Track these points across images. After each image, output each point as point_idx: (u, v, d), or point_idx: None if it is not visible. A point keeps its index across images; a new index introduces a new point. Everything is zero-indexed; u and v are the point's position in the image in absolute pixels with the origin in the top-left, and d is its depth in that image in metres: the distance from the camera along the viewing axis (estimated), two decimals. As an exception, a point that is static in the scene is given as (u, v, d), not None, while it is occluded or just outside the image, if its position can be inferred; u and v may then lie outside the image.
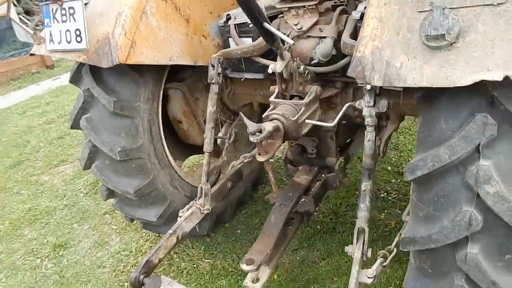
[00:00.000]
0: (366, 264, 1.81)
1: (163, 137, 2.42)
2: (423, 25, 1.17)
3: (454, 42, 1.15)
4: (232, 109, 2.82)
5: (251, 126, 1.85)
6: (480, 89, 1.18)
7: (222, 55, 2.26)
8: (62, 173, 4.12)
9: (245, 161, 2.55)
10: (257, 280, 2.08)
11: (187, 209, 2.27)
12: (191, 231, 2.65)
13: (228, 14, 2.33)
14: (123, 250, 2.92)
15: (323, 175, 2.42)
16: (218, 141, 2.76)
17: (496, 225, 1.21)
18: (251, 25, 2.29)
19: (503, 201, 1.16)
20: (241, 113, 2.01)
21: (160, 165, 2.38)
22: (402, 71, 1.22)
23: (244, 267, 2.04)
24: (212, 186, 2.40)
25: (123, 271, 2.74)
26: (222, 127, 2.75)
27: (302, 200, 2.28)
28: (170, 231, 2.19)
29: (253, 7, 1.60)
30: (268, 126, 1.93)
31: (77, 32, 1.88)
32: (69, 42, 1.92)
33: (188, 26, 2.24)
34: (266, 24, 1.67)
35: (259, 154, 1.97)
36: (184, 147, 2.85)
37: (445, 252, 1.35)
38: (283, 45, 1.87)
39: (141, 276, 2.07)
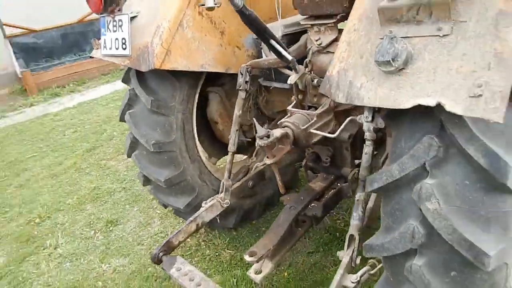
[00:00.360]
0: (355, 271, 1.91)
1: (196, 135, 2.71)
2: (375, 52, 1.30)
3: (403, 68, 1.26)
4: (267, 114, 3.05)
5: (260, 130, 2.06)
6: (433, 112, 1.27)
7: (251, 65, 2.48)
8: (126, 161, 4.64)
9: (267, 163, 2.74)
10: (260, 272, 2.28)
11: (209, 201, 2.54)
12: (218, 223, 2.94)
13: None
14: (161, 233, 3.28)
15: (338, 184, 2.54)
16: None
17: (438, 241, 1.29)
18: (283, 38, 2.50)
19: (441, 218, 1.25)
20: (253, 118, 2.24)
21: (190, 159, 2.67)
22: (361, 91, 1.36)
23: (247, 258, 2.25)
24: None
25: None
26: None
27: (312, 204, 2.43)
28: (191, 219, 2.47)
29: (258, 26, 1.81)
30: (276, 132, 2.13)
31: (123, 41, 2.24)
32: (117, 49, 2.29)
33: (223, 38, 2.51)
34: (272, 41, 1.88)
35: (267, 158, 2.17)
36: (221, 146, 3.11)
37: (399, 262, 1.45)
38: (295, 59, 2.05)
39: (160, 254, 2.38)
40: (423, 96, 1.21)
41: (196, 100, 2.67)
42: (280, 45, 1.90)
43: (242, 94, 2.50)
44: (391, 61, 1.24)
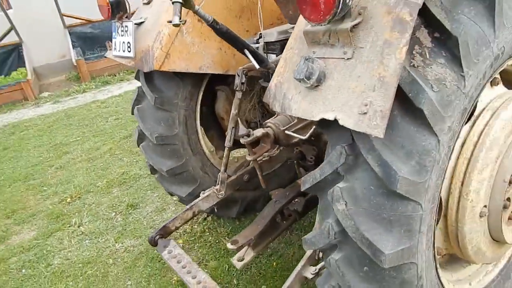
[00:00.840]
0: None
1: (199, 129, 2.93)
2: (294, 70, 1.43)
3: (318, 85, 1.39)
4: (270, 112, 3.21)
5: (241, 130, 2.24)
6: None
7: (248, 68, 2.65)
8: (154, 149, 4.99)
9: (248, 159, 2.89)
10: (242, 259, 2.48)
11: (207, 192, 2.75)
12: (225, 213, 3.17)
13: (260, 33, 2.71)
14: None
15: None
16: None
17: (350, 239, 1.43)
18: (276, 44, 2.65)
19: (347, 218, 1.40)
20: (238, 119, 2.41)
21: (192, 152, 2.90)
22: (291, 102, 1.50)
23: (229, 245, 2.46)
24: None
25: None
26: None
27: (296, 200, 2.57)
28: (188, 207, 2.70)
29: (231, 37, 1.98)
30: (257, 132, 2.30)
31: (128, 44, 2.49)
32: (124, 51, 2.54)
33: (222, 42, 2.65)
34: (245, 50, 2.05)
35: (249, 154, 2.35)
36: (228, 140, 3.32)
37: (326, 256, 1.60)
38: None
39: (157, 237, 2.65)
40: (328, 111, 1.34)
41: (200, 98, 2.87)
42: (252, 53, 2.05)
43: (238, 94, 2.67)
44: (305, 79, 1.37)
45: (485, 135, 1.61)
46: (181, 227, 3.36)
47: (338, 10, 1.24)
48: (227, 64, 2.72)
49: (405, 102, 1.34)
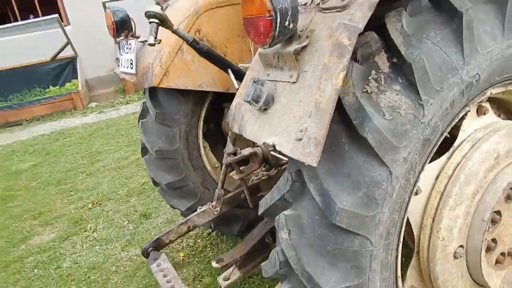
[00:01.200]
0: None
1: (201, 145, 2.96)
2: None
3: (266, 108, 1.36)
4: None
5: (229, 148, 2.24)
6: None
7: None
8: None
9: (236, 178, 2.83)
10: (228, 279, 2.46)
11: (203, 207, 2.77)
12: (226, 229, 3.16)
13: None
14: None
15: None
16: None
17: (293, 270, 1.36)
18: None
19: (290, 248, 1.33)
20: (228, 137, 2.41)
21: (193, 167, 2.93)
22: (247, 124, 1.48)
23: (214, 264, 2.45)
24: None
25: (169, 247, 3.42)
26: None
27: (286, 222, 2.51)
28: (183, 221, 2.74)
29: (213, 56, 2.00)
30: (244, 151, 2.29)
31: (131, 62, 2.59)
32: (127, 68, 2.65)
33: (223, 61, 2.72)
34: (229, 70, 2.06)
35: (236, 173, 2.34)
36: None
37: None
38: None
39: (150, 249, 2.71)
40: (271, 135, 1.31)
41: (203, 114, 2.92)
42: (235, 72, 2.06)
43: (238, 112, 2.69)
44: (253, 102, 1.35)
45: (461, 168, 1.49)
46: (185, 240, 3.43)
47: (276, 33, 1.21)
48: (228, 82, 2.74)
49: (352, 130, 1.28)
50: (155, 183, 3.08)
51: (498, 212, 1.54)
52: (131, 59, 2.60)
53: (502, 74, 1.49)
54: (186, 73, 2.59)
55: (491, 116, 1.65)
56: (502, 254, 1.62)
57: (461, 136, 1.57)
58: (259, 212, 1.58)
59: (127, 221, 3.94)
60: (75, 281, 3.19)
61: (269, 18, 1.19)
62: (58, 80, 10.06)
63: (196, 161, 2.96)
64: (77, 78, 9.86)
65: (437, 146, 1.42)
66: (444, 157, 1.54)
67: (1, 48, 9.43)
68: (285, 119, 1.30)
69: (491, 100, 1.72)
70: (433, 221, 1.50)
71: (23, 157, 6.49)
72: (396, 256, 1.44)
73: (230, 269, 2.49)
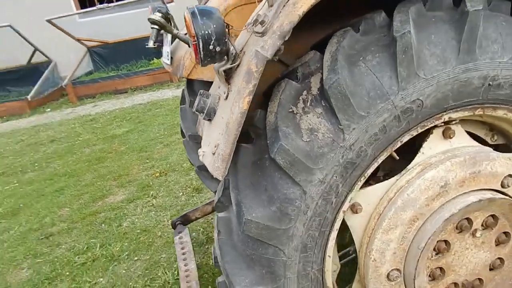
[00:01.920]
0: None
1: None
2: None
3: (210, 119, 1.49)
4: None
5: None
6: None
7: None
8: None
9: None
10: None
11: (227, 191, 3.01)
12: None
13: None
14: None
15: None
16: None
17: None
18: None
19: (217, 247, 1.54)
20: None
21: (224, 153, 3.16)
22: (203, 129, 1.65)
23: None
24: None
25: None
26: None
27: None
28: (208, 202, 3.02)
29: None
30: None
31: (167, 53, 2.87)
32: (165, 58, 2.93)
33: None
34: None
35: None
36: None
37: None
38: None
39: (177, 222, 3.05)
40: (204, 145, 1.44)
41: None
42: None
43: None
44: (198, 112, 1.49)
45: (401, 193, 1.46)
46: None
47: (202, 56, 1.34)
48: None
49: None
50: (192, 164, 3.38)
51: (446, 242, 1.48)
52: (168, 51, 2.87)
53: (461, 99, 1.40)
54: (212, 66, 2.78)
55: (461, 140, 1.55)
56: (455, 284, 1.55)
57: (417, 159, 1.52)
58: (215, 209, 1.74)
59: (181, 193, 4.37)
60: (128, 239, 3.72)
61: (194, 43, 1.32)
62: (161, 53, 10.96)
63: (227, 147, 3.18)
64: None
65: (374, 168, 1.43)
66: (393, 179, 1.52)
67: (115, 22, 10.62)
68: (215, 132, 1.44)
69: (483, 122, 1.62)
70: (368, 241, 1.51)
71: (120, 123, 7.41)
72: (322, 269, 1.49)
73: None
